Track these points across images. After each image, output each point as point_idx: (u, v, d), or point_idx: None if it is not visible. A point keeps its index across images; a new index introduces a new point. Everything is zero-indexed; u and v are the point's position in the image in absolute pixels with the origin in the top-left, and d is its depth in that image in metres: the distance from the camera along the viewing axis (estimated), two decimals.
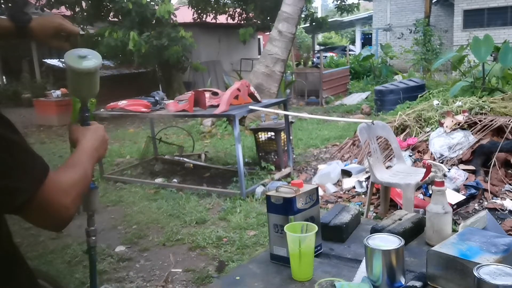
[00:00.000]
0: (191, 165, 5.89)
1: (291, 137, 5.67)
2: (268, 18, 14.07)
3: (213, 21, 15.10)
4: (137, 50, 10.24)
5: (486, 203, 3.93)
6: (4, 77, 16.57)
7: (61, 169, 0.95)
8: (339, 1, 15.39)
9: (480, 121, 4.65)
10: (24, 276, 0.96)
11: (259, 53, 16.74)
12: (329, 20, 18.22)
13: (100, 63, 1.15)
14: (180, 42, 10.74)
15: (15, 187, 0.81)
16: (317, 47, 24.45)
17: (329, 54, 20.43)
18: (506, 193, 4.04)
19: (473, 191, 4.00)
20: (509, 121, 4.50)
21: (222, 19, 15.39)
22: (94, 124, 1.17)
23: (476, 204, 3.94)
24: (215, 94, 5.18)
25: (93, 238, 1.33)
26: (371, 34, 22.62)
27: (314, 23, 16.06)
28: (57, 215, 0.88)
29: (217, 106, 4.81)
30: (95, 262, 1.40)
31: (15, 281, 0.92)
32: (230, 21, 15.45)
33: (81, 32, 11.59)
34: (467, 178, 4.17)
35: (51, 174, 0.87)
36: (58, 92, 10.58)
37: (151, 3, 10.96)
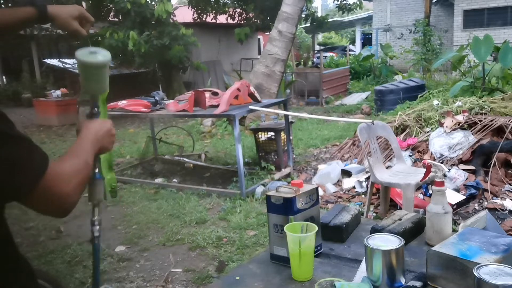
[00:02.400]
0: (191, 165, 5.89)
1: (291, 137, 5.67)
2: (268, 18, 14.07)
3: (213, 21, 15.10)
4: (137, 50, 10.25)
5: (486, 203, 3.93)
6: (4, 77, 16.57)
7: (62, 158, 0.97)
8: (339, 1, 15.37)
9: (480, 121, 4.65)
10: (25, 276, 0.96)
11: (259, 53, 16.75)
12: (329, 20, 18.21)
13: (109, 58, 1.20)
14: (181, 40, 10.74)
15: (18, 181, 0.84)
16: (317, 47, 24.45)
17: (329, 54, 20.42)
18: (506, 193, 4.04)
19: (473, 191, 4.00)
20: (509, 121, 4.50)
21: (222, 19, 15.40)
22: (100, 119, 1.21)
23: (476, 204, 3.94)
24: (215, 94, 5.18)
25: (97, 227, 1.33)
26: (371, 34, 22.62)
27: (314, 23, 16.06)
28: (59, 203, 0.91)
29: (217, 106, 4.81)
30: (98, 252, 1.39)
31: (16, 281, 0.92)
32: (230, 21, 15.45)
33: None
34: (467, 178, 4.16)
35: (52, 164, 0.89)
36: (58, 92, 10.58)
37: (151, 3, 10.95)
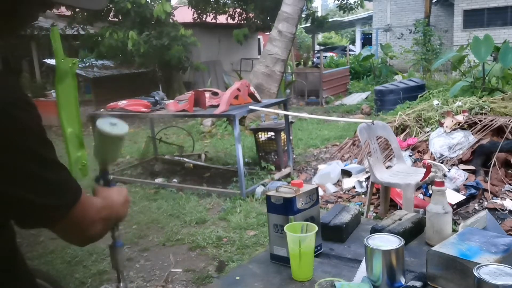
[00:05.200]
0: (191, 165, 5.89)
1: (291, 137, 5.67)
2: (268, 18, 14.06)
3: (213, 21, 15.08)
4: (136, 50, 10.24)
5: (486, 203, 3.93)
6: None
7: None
8: (339, 0, 15.35)
9: (480, 121, 4.65)
10: (24, 277, 0.96)
11: (259, 53, 16.72)
12: (329, 20, 18.20)
13: (126, 131, 1.21)
14: (180, 40, 10.74)
15: (55, 204, 0.85)
16: (317, 47, 24.44)
17: (329, 54, 20.41)
18: (506, 193, 4.04)
19: (473, 191, 4.00)
20: (509, 121, 4.50)
21: (222, 19, 15.38)
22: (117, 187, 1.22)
23: (476, 204, 3.94)
24: (215, 94, 5.18)
25: None
26: (371, 34, 22.61)
27: (314, 23, 16.05)
28: (86, 231, 0.94)
29: (217, 106, 4.81)
30: None
31: (14, 281, 0.92)
32: (230, 21, 15.44)
33: (81, 32, 11.59)
34: (467, 178, 4.16)
35: (84, 193, 0.92)
36: None
37: (151, 3, 10.95)
